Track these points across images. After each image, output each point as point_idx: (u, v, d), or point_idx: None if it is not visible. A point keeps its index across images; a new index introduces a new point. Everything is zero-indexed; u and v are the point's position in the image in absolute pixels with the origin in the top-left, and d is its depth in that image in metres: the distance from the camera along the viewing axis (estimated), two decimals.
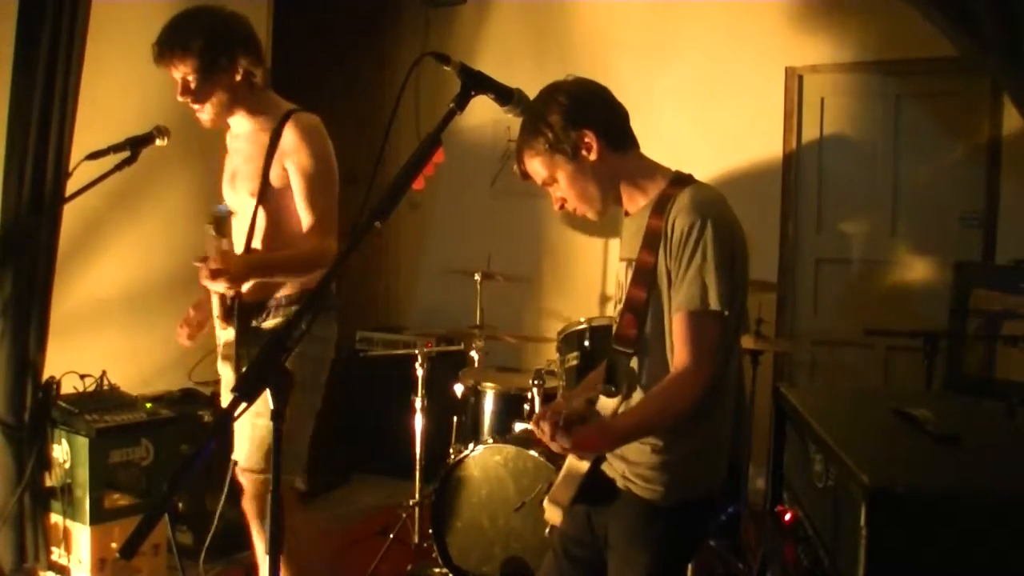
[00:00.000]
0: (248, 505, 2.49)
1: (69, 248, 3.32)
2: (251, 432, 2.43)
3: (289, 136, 2.40)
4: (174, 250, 3.87)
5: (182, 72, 2.37)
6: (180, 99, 2.41)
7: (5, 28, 3.02)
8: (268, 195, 2.43)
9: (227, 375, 2.56)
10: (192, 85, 2.38)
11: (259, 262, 2.42)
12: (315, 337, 2.46)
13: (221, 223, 2.31)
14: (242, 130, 2.53)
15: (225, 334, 2.52)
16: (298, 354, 2.35)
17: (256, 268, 2.40)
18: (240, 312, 2.46)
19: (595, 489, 1.89)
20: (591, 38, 4.87)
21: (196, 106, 2.43)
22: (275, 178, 2.43)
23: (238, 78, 2.41)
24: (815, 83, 4.52)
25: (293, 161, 2.41)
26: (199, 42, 2.33)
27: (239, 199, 2.51)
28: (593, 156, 1.82)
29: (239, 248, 2.42)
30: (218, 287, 2.34)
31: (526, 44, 5.04)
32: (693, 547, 1.99)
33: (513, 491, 3.07)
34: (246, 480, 2.47)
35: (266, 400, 2.33)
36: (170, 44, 2.34)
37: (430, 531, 3.22)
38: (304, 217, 2.45)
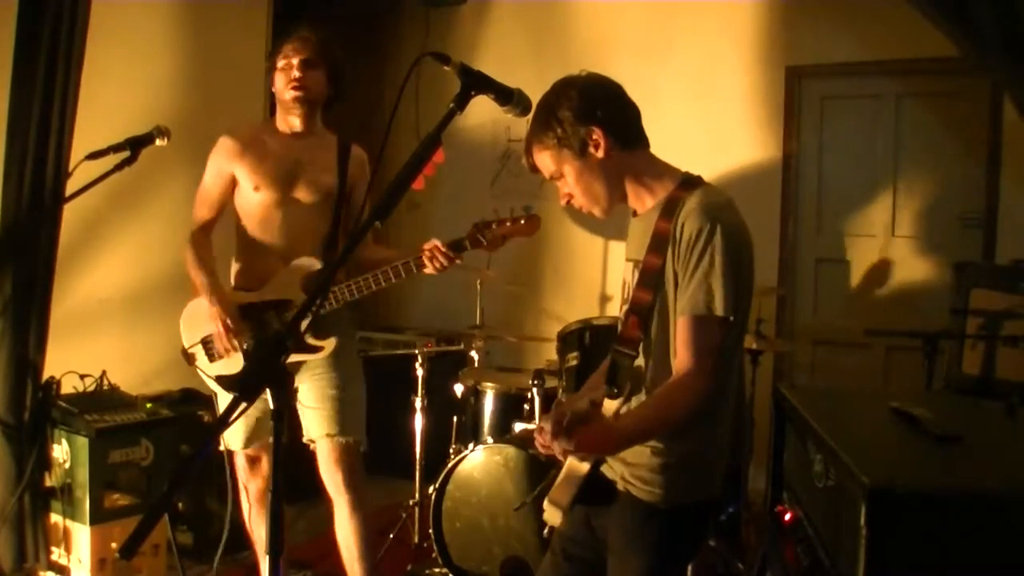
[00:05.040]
0: (334, 472, 2.71)
1: (69, 248, 3.32)
2: (337, 406, 2.71)
3: (361, 157, 2.83)
4: (174, 250, 3.85)
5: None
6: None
7: (5, 28, 3.02)
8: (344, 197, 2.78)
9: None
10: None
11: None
12: (352, 330, 2.86)
13: None
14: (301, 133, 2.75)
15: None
16: (350, 337, 2.81)
17: None
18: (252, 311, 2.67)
19: (595, 491, 1.89)
20: (591, 38, 4.87)
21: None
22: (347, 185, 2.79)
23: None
24: (815, 83, 4.52)
25: (364, 175, 2.83)
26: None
27: (298, 195, 2.72)
28: (600, 153, 1.81)
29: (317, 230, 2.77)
30: None
31: (526, 44, 5.04)
32: (692, 550, 1.98)
33: (513, 491, 3.07)
34: (331, 448, 2.70)
35: (333, 377, 2.70)
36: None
37: (430, 531, 3.22)
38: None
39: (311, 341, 2.65)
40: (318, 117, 2.76)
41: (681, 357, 1.75)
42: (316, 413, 2.71)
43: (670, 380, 1.77)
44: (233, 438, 2.77)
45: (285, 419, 1.40)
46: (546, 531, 1.91)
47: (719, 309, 1.71)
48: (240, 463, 2.86)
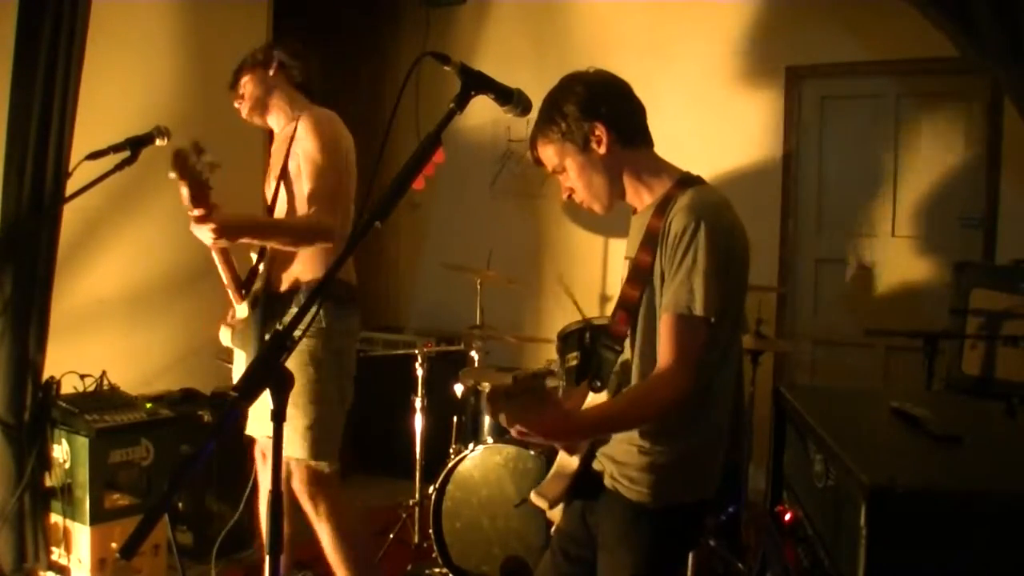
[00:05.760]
0: (302, 493, 2.61)
1: (69, 248, 3.32)
2: (309, 425, 2.55)
3: (300, 128, 2.59)
4: (174, 250, 3.87)
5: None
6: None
7: (5, 28, 3.02)
8: (286, 182, 2.61)
9: (237, 355, 2.69)
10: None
11: (248, 220, 2.59)
12: (335, 331, 2.58)
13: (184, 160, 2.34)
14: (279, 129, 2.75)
15: (240, 309, 2.64)
16: (321, 346, 2.55)
17: (245, 227, 2.53)
18: (267, 303, 2.58)
19: (585, 486, 1.89)
20: (591, 38, 4.87)
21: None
22: (291, 167, 2.61)
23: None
24: (815, 83, 4.52)
25: (301, 148, 2.57)
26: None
27: (268, 196, 2.69)
28: (602, 149, 1.83)
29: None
30: (204, 234, 2.44)
31: (526, 44, 5.04)
32: (682, 551, 1.99)
33: (513, 491, 3.07)
34: (301, 472, 2.59)
35: (305, 384, 2.49)
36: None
37: (430, 531, 3.22)
38: (304, 192, 2.58)
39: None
40: (282, 108, 2.73)
41: (662, 353, 1.76)
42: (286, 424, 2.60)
43: (650, 375, 1.77)
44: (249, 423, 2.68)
45: (284, 419, 1.40)
46: (552, 529, 1.92)
47: (699, 309, 1.71)
48: (257, 454, 2.85)
